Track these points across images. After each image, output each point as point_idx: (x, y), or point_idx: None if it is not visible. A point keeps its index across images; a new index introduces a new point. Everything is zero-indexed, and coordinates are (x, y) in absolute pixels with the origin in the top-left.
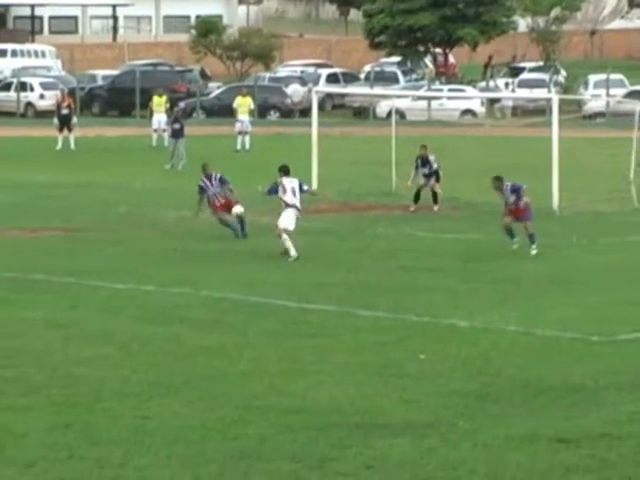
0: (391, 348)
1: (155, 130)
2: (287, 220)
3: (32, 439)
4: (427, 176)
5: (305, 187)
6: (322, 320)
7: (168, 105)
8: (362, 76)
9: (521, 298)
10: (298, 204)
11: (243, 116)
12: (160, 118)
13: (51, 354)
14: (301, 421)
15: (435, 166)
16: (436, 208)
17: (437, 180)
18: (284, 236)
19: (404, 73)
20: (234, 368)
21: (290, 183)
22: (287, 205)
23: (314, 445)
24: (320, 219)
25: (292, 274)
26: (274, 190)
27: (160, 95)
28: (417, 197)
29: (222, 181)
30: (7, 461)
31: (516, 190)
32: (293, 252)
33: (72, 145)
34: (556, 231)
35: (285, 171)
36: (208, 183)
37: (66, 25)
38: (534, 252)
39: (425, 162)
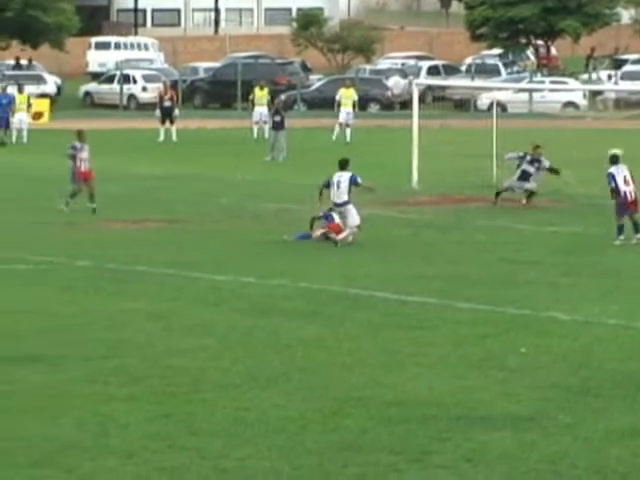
0: (491, 341)
1: (256, 122)
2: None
3: (133, 429)
4: (525, 175)
5: (359, 180)
6: (421, 312)
7: (269, 97)
8: (463, 68)
9: (623, 291)
10: (338, 200)
11: (346, 108)
12: (261, 110)
13: (152, 345)
14: (400, 413)
15: (547, 164)
16: (524, 202)
17: (556, 173)
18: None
19: (505, 65)
20: (333, 360)
21: (338, 177)
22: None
23: (413, 437)
24: (420, 211)
25: (391, 266)
26: (326, 184)
27: (261, 87)
28: (499, 193)
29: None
30: (109, 450)
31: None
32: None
33: (174, 137)
34: None
35: (341, 165)
36: (80, 146)
37: (169, 18)
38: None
39: (534, 160)
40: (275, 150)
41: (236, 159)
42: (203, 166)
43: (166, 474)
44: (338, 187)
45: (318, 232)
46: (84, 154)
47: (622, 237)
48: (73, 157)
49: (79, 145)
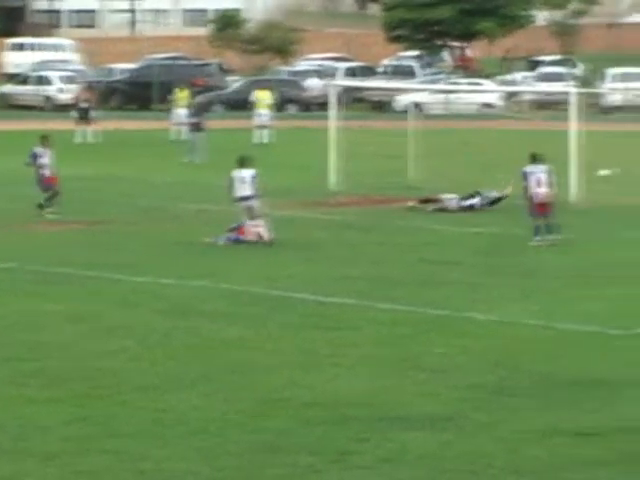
0: (410, 341)
1: (175, 124)
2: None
3: (53, 431)
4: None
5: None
6: (342, 313)
7: (189, 99)
8: (380, 70)
9: (541, 292)
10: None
11: (262, 110)
12: (181, 112)
13: (72, 347)
14: (320, 414)
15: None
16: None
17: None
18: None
19: (422, 67)
20: (253, 361)
21: (239, 174)
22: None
23: (333, 438)
24: (341, 212)
25: (313, 267)
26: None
27: (182, 89)
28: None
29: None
30: (28, 453)
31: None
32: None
33: (91, 138)
34: (576, 224)
35: (241, 163)
36: (42, 151)
37: (85, 19)
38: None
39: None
40: (194, 151)
41: (155, 160)
42: (122, 167)
43: (85, 477)
44: (243, 182)
45: (249, 236)
46: (45, 159)
47: (538, 238)
48: (30, 164)
49: (41, 151)
